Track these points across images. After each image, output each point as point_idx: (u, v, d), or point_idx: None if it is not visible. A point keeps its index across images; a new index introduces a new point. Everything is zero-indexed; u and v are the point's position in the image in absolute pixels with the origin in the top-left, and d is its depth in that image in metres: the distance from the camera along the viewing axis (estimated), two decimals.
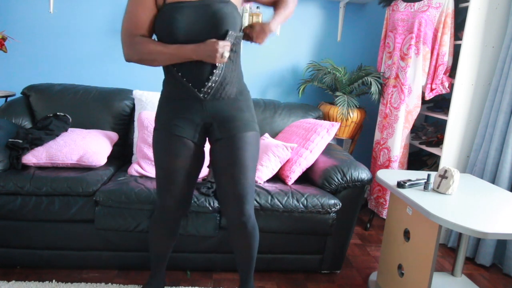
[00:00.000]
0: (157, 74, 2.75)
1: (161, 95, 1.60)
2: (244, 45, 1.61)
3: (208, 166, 2.01)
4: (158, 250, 1.75)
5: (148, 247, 1.78)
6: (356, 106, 2.74)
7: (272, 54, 3.06)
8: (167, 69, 1.53)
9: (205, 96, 1.51)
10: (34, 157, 2.06)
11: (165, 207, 1.61)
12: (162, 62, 1.46)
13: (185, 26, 1.41)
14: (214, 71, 1.47)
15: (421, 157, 3.01)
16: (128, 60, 1.47)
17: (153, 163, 1.71)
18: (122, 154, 2.50)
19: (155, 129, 1.58)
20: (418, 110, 2.67)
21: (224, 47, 1.38)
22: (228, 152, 1.53)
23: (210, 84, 1.48)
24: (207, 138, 1.63)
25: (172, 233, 1.72)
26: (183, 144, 1.53)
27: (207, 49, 1.38)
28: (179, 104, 1.52)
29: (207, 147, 1.64)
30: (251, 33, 1.49)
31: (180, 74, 1.48)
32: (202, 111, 1.53)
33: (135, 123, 2.46)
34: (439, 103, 2.83)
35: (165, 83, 1.57)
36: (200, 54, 1.40)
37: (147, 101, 2.46)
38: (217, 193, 1.65)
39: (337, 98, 2.71)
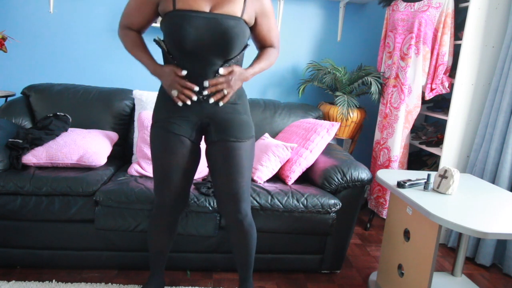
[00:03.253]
0: None
1: (159, 91, 1.60)
2: None
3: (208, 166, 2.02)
4: (157, 248, 1.76)
5: (147, 246, 1.79)
6: (356, 106, 2.74)
7: None
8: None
9: (204, 98, 1.52)
10: (34, 157, 2.06)
11: (163, 203, 1.63)
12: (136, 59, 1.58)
13: (194, 38, 1.41)
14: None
15: (421, 157, 3.01)
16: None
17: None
18: (122, 154, 2.50)
19: (152, 125, 1.60)
20: (418, 110, 2.67)
21: (175, 87, 1.47)
22: (223, 153, 1.55)
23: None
24: (203, 136, 1.65)
25: (171, 231, 1.73)
26: (180, 142, 1.54)
27: (165, 79, 1.50)
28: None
29: (203, 144, 1.65)
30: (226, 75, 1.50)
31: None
32: (200, 111, 1.54)
33: (135, 123, 2.46)
34: (439, 103, 2.83)
35: None
36: (160, 79, 1.53)
37: (147, 101, 2.46)
38: (214, 192, 1.68)
39: (337, 98, 2.71)
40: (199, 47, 1.43)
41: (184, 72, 1.46)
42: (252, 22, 1.54)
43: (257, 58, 1.63)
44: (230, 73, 1.49)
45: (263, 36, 1.60)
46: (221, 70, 1.48)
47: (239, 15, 1.46)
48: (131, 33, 1.57)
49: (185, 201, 1.69)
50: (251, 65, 1.59)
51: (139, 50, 1.56)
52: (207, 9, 1.43)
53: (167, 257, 1.86)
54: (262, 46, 1.65)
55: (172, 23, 1.42)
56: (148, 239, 1.76)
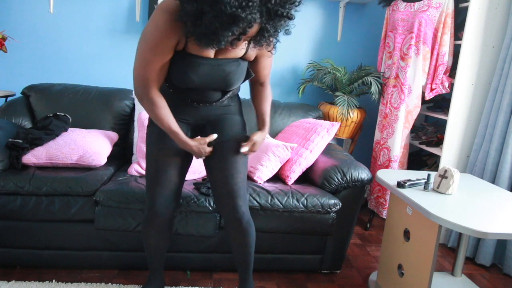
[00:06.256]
0: None
1: None
2: None
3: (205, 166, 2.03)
4: (153, 251, 1.76)
5: (144, 248, 1.79)
6: (356, 106, 2.74)
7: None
8: (164, 88, 1.55)
9: (200, 104, 1.59)
10: (34, 157, 2.06)
11: (155, 204, 1.63)
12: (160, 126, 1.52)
13: (197, 83, 1.49)
14: (216, 103, 1.59)
15: (421, 157, 3.01)
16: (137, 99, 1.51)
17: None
18: (122, 154, 2.50)
19: (148, 125, 1.64)
20: (418, 110, 2.67)
21: (203, 154, 1.56)
22: (219, 151, 1.59)
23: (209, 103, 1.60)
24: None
25: (165, 234, 1.73)
26: None
27: (192, 150, 1.55)
28: (173, 105, 1.55)
29: None
30: (251, 148, 1.62)
31: (180, 96, 1.56)
32: (195, 113, 1.61)
33: (135, 123, 2.46)
34: (439, 103, 2.83)
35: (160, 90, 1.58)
36: (187, 149, 1.55)
37: None
38: (212, 192, 1.69)
39: (337, 98, 2.71)
40: (200, 87, 1.51)
41: (214, 136, 1.58)
42: (252, 58, 1.59)
43: (263, 108, 1.69)
44: (253, 145, 1.61)
45: (256, 71, 1.64)
46: (244, 149, 1.58)
47: (240, 56, 1.52)
48: (160, 100, 1.46)
49: (176, 203, 1.70)
50: (261, 118, 1.69)
51: (174, 123, 1.50)
52: (212, 54, 1.47)
53: (166, 257, 1.86)
54: (253, 78, 1.70)
55: (178, 67, 1.45)
56: (143, 242, 1.76)
